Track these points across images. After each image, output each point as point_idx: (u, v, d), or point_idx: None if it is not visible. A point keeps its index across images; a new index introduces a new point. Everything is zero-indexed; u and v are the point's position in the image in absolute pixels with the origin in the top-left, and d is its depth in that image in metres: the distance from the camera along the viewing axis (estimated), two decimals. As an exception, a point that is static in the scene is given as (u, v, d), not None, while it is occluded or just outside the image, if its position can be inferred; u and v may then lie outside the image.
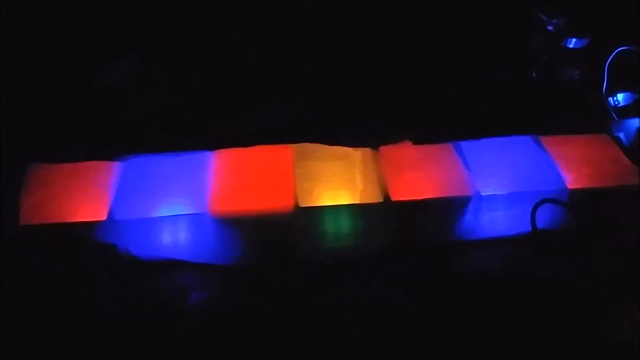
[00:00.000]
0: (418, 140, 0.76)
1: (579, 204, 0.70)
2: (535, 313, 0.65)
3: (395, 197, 0.69)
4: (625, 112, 0.88)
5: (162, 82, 0.94)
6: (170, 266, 0.70)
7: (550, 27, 0.96)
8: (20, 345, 0.62)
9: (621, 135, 0.82)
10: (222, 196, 0.69)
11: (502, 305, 0.66)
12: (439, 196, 0.69)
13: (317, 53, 1.00)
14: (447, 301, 0.67)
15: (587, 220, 0.69)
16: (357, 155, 0.74)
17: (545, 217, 0.72)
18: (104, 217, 0.66)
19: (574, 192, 0.70)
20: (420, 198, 0.69)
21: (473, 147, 0.75)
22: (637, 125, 0.82)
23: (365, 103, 0.92)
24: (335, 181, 0.71)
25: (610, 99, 0.90)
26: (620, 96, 0.89)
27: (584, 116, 0.88)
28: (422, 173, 0.72)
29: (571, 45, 0.94)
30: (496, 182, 0.71)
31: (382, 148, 0.75)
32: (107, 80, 0.93)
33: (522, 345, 0.62)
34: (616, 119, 0.87)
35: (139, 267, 0.70)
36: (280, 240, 0.70)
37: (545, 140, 0.77)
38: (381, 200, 0.69)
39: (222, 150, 0.74)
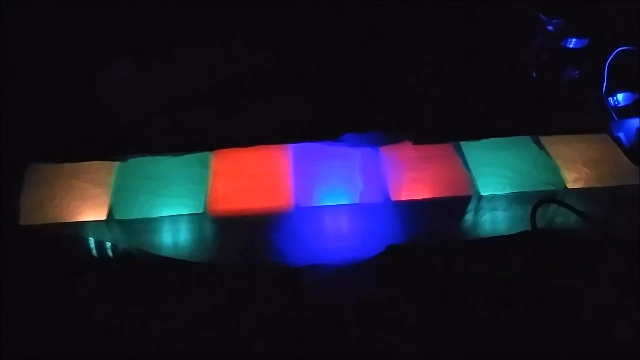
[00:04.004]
0: (418, 140, 0.76)
1: (579, 204, 0.70)
2: (535, 313, 0.65)
3: (395, 197, 0.69)
4: (625, 112, 0.88)
5: (162, 82, 0.94)
6: (170, 266, 0.70)
7: (550, 27, 0.96)
8: (21, 345, 0.62)
9: (621, 135, 0.82)
10: (221, 196, 0.69)
11: (502, 305, 0.66)
12: (439, 196, 0.69)
13: (317, 53, 1.00)
14: (447, 301, 0.67)
15: (587, 220, 0.68)
16: (357, 155, 0.74)
17: (545, 217, 0.72)
18: (104, 217, 0.66)
19: (574, 192, 0.70)
20: (420, 198, 0.69)
21: (473, 147, 0.75)
22: (637, 125, 0.82)
23: (365, 103, 0.92)
24: (335, 181, 0.71)
25: (610, 99, 0.90)
26: (620, 96, 0.89)
27: (584, 116, 0.88)
28: (422, 173, 0.72)
29: (571, 45, 0.94)
30: (496, 182, 0.71)
31: (382, 148, 0.75)
32: (107, 80, 0.93)
33: (522, 345, 0.62)
34: (616, 119, 0.87)
35: (139, 267, 0.70)
36: (279, 240, 0.70)
37: (545, 140, 0.77)
38: (381, 200, 0.69)
39: (222, 150, 0.74)
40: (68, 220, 0.66)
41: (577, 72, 0.93)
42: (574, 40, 0.93)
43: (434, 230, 0.73)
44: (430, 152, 0.75)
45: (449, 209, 0.71)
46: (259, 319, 0.64)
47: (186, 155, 0.74)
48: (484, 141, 0.76)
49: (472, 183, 0.71)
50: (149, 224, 0.67)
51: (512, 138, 0.77)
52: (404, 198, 0.69)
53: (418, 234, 0.72)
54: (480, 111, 0.90)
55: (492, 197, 0.70)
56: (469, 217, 0.72)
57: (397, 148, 0.75)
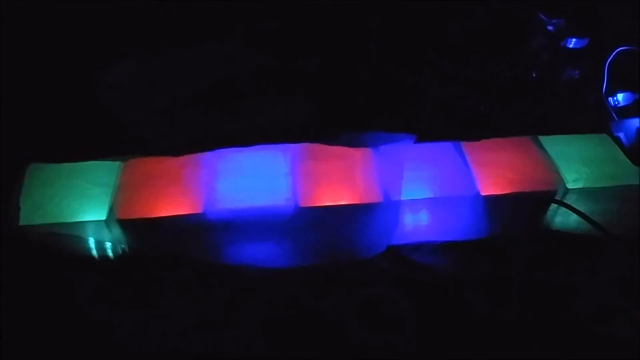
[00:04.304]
0: (418, 140, 0.76)
1: (579, 204, 0.70)
2: (535, 313, 0.65)
3: (395, 197, 0.69)
4: (625, 112, 0.88)
5: (162, 82, 0.94)
6: (170, 266, 0.70)
7: (550, 27, 0.96)
8: (21, 345, 0.62)
9: (621, 135, 0.82)
10: (221, 196, 0.68)
11: (502, 305, 0.66)
12: (440, 196, 0.69)
13: (317, 53, 1.00)
14: (447, 301, 0.67)
15: (587, 220, 0.69)
16: (357, 155, 0.74)
17: (545, 217, 0.72)
18: (104, 217, 0.66)
19: (574, 192, 0.70)
20: (420, 198, 0.69)
21: (473, 147, 0.75)
22: (637, 125, 0.82)
23: (365, 103, 0.92)
24: (335, 181, 0.71)
25: (610, 99, 0.90)
26: (620, 96, 0.89)
27: (584, 116, 0.89)
28: (422, 173, 0.72)
29: (571, 45, 0.94)
30: (496, 183, 0.71)
31: (383, 148, 0.75)
32: (107, 80, 0.93)
33: (522, 345, 0.62)
34: (616, 119, 0.87)
35: (139, 267, 0.70)
36: (279, 240, 0.70)
37: (545, 140, 0.76)
38: (381, 200, 0.69)
39: (222, 149, 0.74)
40: (68, 221, 0.66)
41: (577, 72, 0.94)
42: (574, 40, 0.93)
43: (434, 230, 0.73)
44: (430, 152, 0.74)
45: (449, 209, 0.71)
46: (259, 319, 0.64)
47: (186, 155, 0.73)
48: (484, 141, 0.76)
49: (471, 183, 0.70)
50: (149, 224, 0.67)
51: (512, 138, 0.77)
52: (404, 198, 0.69)
53: (419, 234, 0.73)
54: (480, 111, 0.90)
55: (492, 197, 0.70)
56: (469, 217, 0.72)
57: (397, 148, 0.75)
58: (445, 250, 0.72)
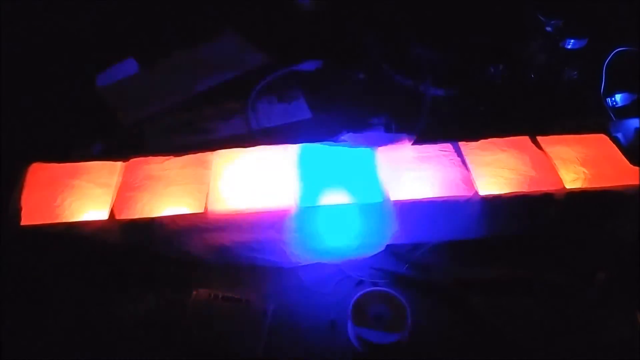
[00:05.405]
0: (418, 140, 0.76)
1: (578, 204, 0.70)
2: (535, 313, 0.65)
3: (395, 197, 0.69)
4: (624, 112, 0.89)
5: (163, 82, 0.95)
6: (171, 266, 0.70)
7: (548, 28, 0.96)
8: (21, 345, 0.62)
9: (619, 135, 0.82)
10: (222, 196, 0.69)
11: (502, 305, 0.66)
12: (439, 196, 0.69)
13: (316, 53, 1.00)
14: (446, 301, 0.67)
15: (586, 220, 0.69)
16: (356, 155, 0.74)
17: (545, 217, 0.73)
18: (104, 217, 0.66)
19: (573, 192, 0.70)
20: (420, 198, 0.69)
21: (473, 147, 0.75)
22: (636, 125, 0.82)
23: (365, 103, 0.92)
24: (335, 181, 0.71)
25: (609, 99, 0.90)
26: (618, 96, 0.90)
27: (583, 116, 0.89)
28: (422, 173, 0.72)
29: (570, 46, 0.94)
30: (496, 183, 0.71)
31: (382, 148, 0.75)
32: (108, 81, 0.93)
33: (522, 345, 0.62)
34: (614, 119, 0.87)
35: (140, 267, 0.70)
36: (279, 240, 0.70)
37: (544, 140, 0.77)
38: (381, 200, 0.69)
39: (222, 150, 0.74)
40: (69, 220, 0.66)
41: (576, 72, 0.94)
42: (572, 40, 0.93)
43: (434, 230, 0.73)
44: (430, 152, 0.75)
45: (449, 209, 0.71)
46: (258, 318, 0.64)
47: (186, 155, 0.74)
48: (484, 141, 0.76)
49: (472, 183, 0.71)
50: (149, 224, 0.67)
51: (512, 138, 0.77)
52: (404, 198, 0.69)
53: (418, 234, 0.73)
54: (480, 111, 0.90)
55: (492, 197, 0.70)
56: (468, 217, 0.72)
57: (397, 148, 0.75)
58: (446, 250, 0.73)
